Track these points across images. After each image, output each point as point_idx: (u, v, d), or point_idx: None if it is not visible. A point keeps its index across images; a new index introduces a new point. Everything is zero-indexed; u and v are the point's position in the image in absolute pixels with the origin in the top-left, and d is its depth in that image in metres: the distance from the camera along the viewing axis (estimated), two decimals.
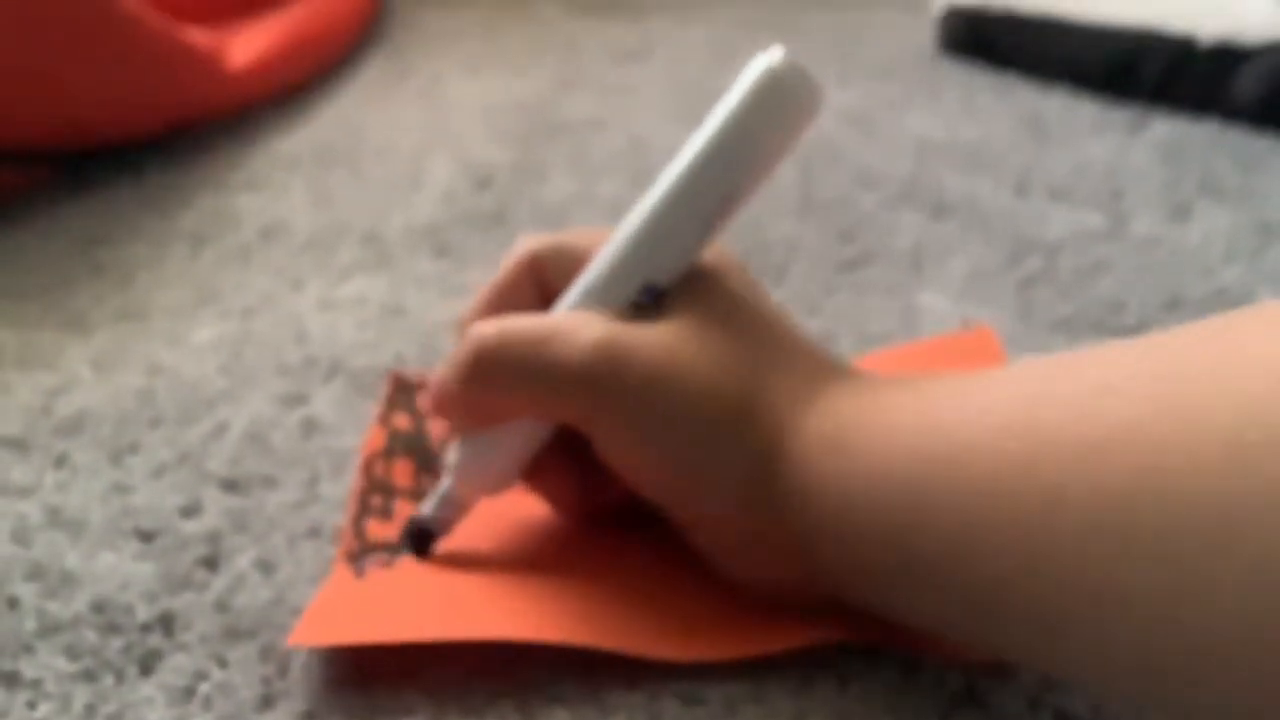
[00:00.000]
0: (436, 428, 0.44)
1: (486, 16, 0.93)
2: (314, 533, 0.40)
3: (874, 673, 0.33)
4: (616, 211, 0.61)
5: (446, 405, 0.36)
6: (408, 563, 0.38)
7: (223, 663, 0.35)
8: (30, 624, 0.37)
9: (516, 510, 0.40)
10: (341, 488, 0.42)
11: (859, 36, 0.81)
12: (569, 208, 0.62)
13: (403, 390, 0.45)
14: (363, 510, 0.40)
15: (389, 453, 0.43)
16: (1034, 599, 0.27)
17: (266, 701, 0.34)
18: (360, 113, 0.76)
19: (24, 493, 0.43)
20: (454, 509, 0.38)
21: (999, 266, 0.54)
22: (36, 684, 0.35)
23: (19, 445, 0.45)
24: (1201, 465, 0.24)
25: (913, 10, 0.81)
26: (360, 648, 0.35)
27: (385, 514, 0.40)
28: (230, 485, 0.43)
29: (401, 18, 0.93)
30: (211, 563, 0.39)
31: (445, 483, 0.38)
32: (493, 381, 0.36)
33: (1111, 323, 0.49)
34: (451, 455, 0.38)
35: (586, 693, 0.34)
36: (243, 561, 0.39)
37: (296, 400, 0.47)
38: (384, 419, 0.44)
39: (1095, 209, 0.58)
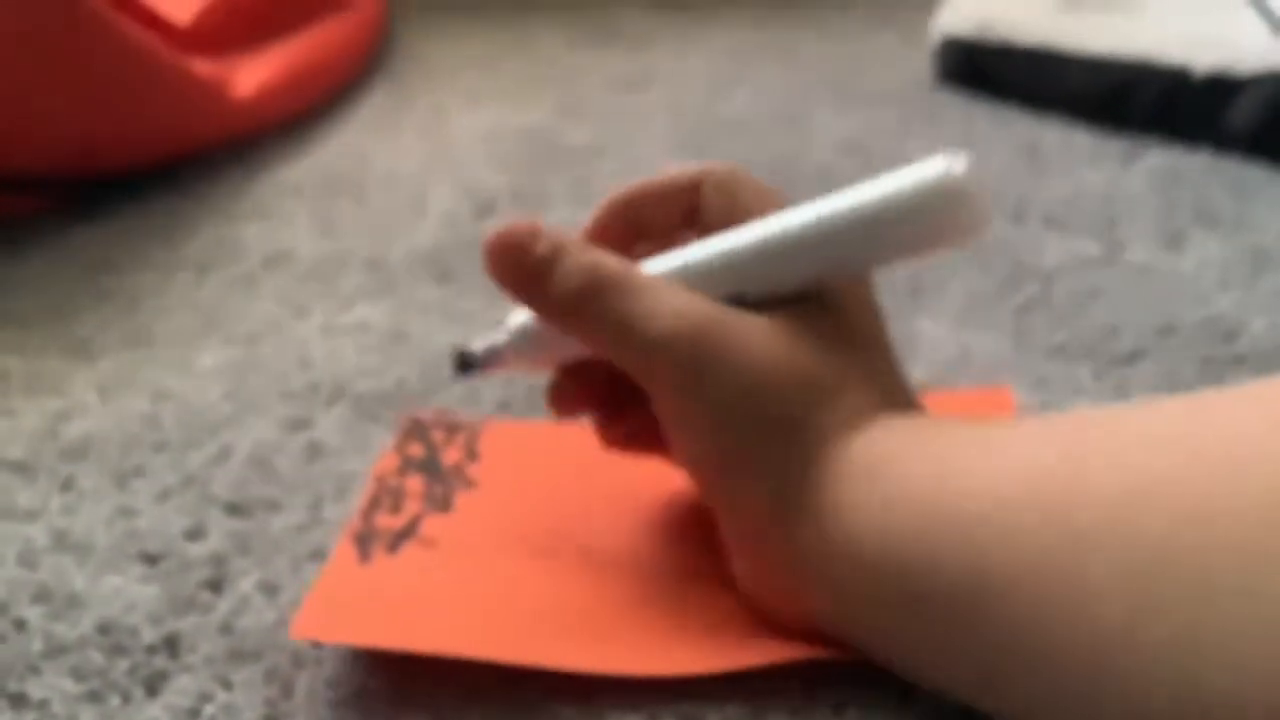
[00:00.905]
0: (450, 455, 0.44)
1: (488, 48, 0.94)
2: (317, 555, 0.41)
3: (871, 695, 0.34)
4: None
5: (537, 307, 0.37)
6: (412, 551, 0.39)
7: (227, 684, 0.36)
8: (37, 645, 0.37)
9: (530, 512, 0.41)
10: (345, 511, 0.42)
11: (857, 66, 0.82)
12: (571, 234, 0.62)
13: (418, 429, 0.46)
14: (372, 506, 0.41)
15: (402, 470, 0.43)
16: (1052, 646, 0.27)
17: None
18: (363, 142, 0.76)
19: (30, 516, 0.43)
20: (497, 360, 0.39)
21: (995, 293, 0.54)
22: (43, 705, 0.35)
23: (25, 469, 0.46)
24: (1240, 519, 0.24)
25: (910, 41, 0.82)
26: (360, 650, 0.36)
27: (394, 510, 0.41)
28: (234, 509, 0.43)
29: (404, 49, 0.94)
30: (216, 585, 0.40)
31: (499, 336, 0.39)
32: (583, 318, 0.36)
33: (1106, 349, 0.49)
34: (514, 319, 0.39)
35: (587, 713, 0.34)
36: (247, 584, 0.39)
37: (300, 425, 0.48)
38: (398, 449, 0.45)
39: (1090, 237, 0.58)
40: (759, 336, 0.34)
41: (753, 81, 0.81)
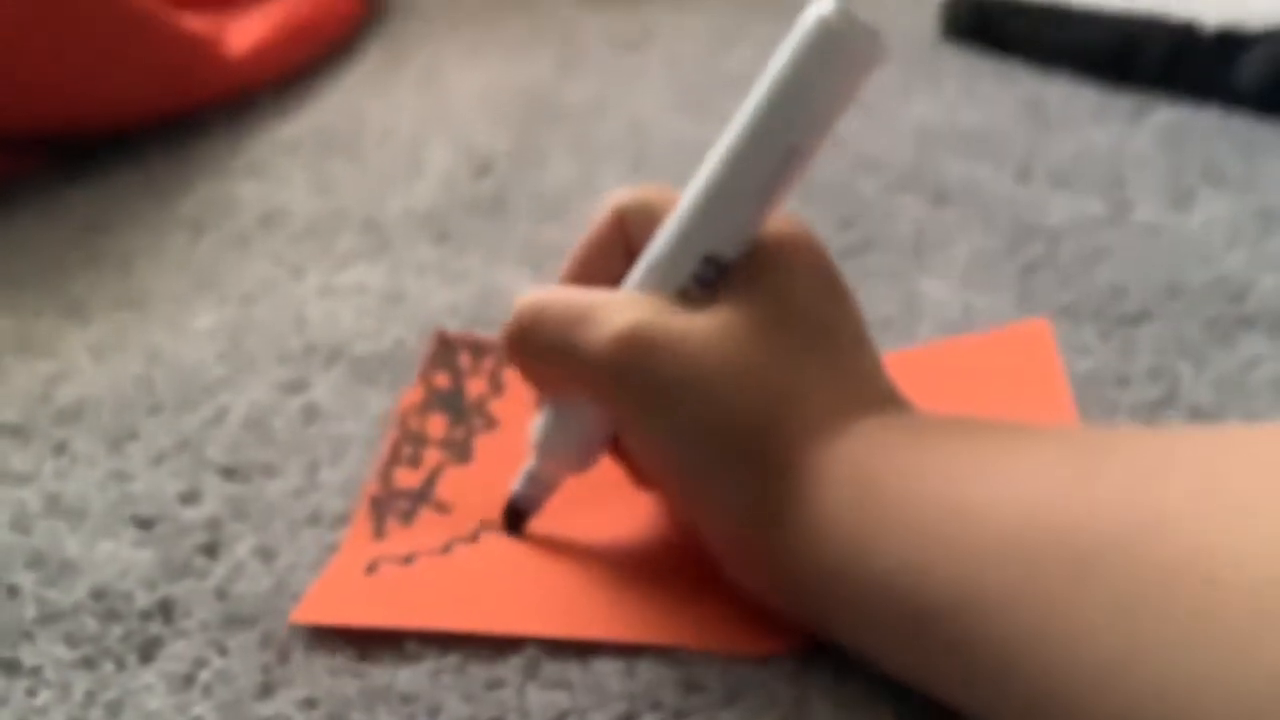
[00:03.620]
0: (475, 386, 0.45)
1: (485, 4, 0.93)
2: (314, 520, 0.40)
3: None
4: None
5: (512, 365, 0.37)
6: (426, 518, 0.39)
7: (222, 650, 0.35)
8: (30, 611, 0.37)
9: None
10: (342, 474, 0.42)
11: None
12: (569, 194, 0.62)
13: (445, 349, 0.46)
14: (393, 458, 0.42)
15: (424, 407, 0.44)
16: (1043, 674, 0.26)
17: (266, 689, 0.34)
18: (359, 99, 0.75)
19: (23, 480, 0.43)
20: (541, 487, 0.38)
21: (1000, 253, 0.53)
22: (36, 671, 0.35)
23: (18, 433, 0.45)
24: (1241, 567, 0.23)
25: None
26: (359, 630, 0.35)
27: (414, 462, 0.41)
28: (230, 472, 0.43)
29: (400, 5, 0.93)
30: (211, 550, 0.39)
31: (531, 461, 0.38)
32: (528, 354, 0.36)
33: (1113, 310, 0.48)
34: (532, 432, 0.37)
35: (586, 679, 0.34)
36: (242, 549, 0.39)
37: (296, 387, 0.47)
38: (424, 377, 0.45)
39: (1097, 196, 0.58)
40: (708, 340, 0.33)
41: (753, 38, 0.80)
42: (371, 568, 0.37)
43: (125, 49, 0.67)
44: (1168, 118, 0.65)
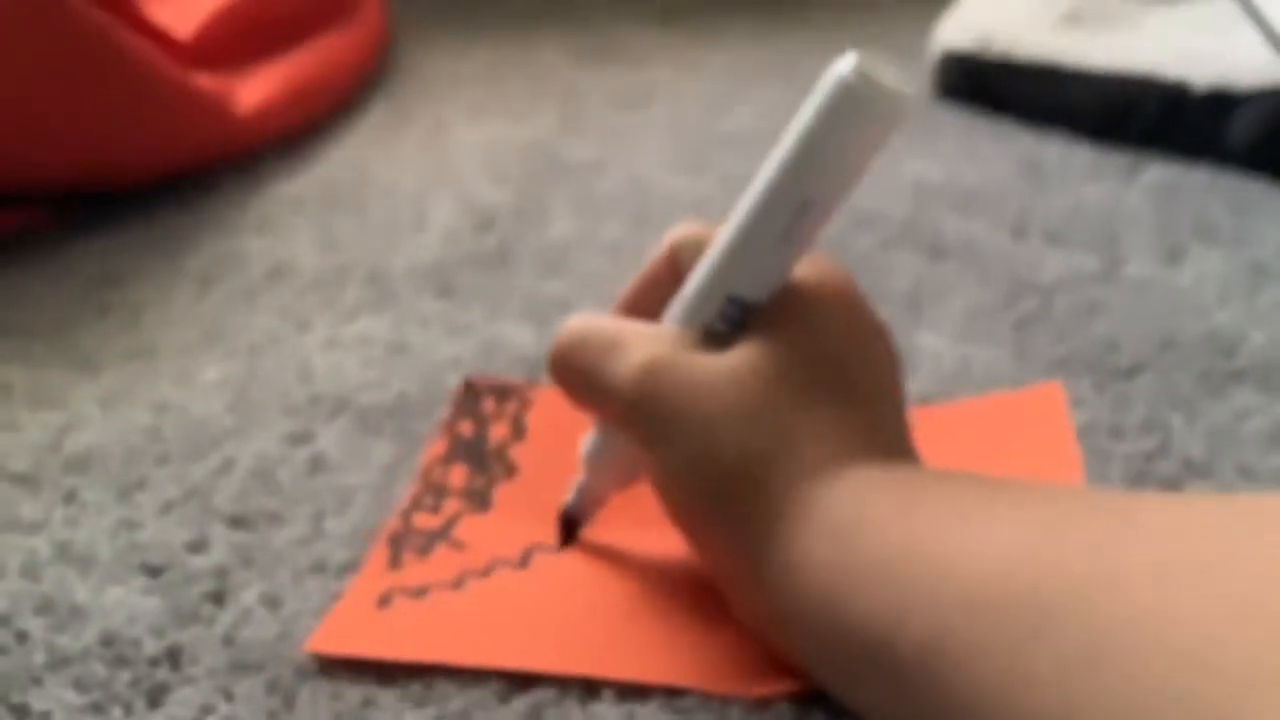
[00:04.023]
0: (497, 431, 0.46)
1: (488, 63, 0.95)
2: (319, 568, 0.41)
3: None
4: (618, 252, 0.62)
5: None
6: (441, 553, 0.40)
7: (229, 696, 0.36)
8: (40, 657, 0.37)
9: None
10: (347, 523, 0.43)
11: None
12: (570, 248, 0.63)
13: (470, 395, 0.47)
14: (414, 506, 0.43)
15: (447, 458, 0.45)
16: (1002, 718, 0.26)
17: None
18: (365, 156, 0.77)
19: (34, 528, 0.43)
20: (590, 499, 0.40)
21: (996, 307, 0.54)
22: (46, 716, 0.35)
23: (29, 482, 0.46)
24: (1182, 625, 0.23)
25: (910, 56, 0.82)
26: (370, 662, 0.36)
27: (434, 510, 0.43)
28: (237, 521, 0.43)
29: (405, 63, 0.94)
30: (218, 597, 0.40)
31: (581, 475, 0.40)
32: (564, 377, 0.37)
33: (1106, 363, 0.49)
34: (582, 447, 0.39)
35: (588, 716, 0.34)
36: (249, 596, 0.40)
37: (303, 437, 0.48)
38: (449, 426, 0.47)
39: (1090, 251, 0.58)
40: (715, 378, 0.34)
41: (752, 98, 0.82)
42: (385, 600, 0.39)
43: (136, 107, 0.68)
44: (1160, 176, 0.66)
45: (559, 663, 0.35)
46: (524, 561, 0.40)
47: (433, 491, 0.44)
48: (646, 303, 0.39)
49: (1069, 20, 0.75)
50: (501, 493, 0.44)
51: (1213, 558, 0.25)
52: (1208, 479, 0.42)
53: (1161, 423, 0.45)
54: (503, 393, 0.47)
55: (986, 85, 0.77)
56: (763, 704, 0.34)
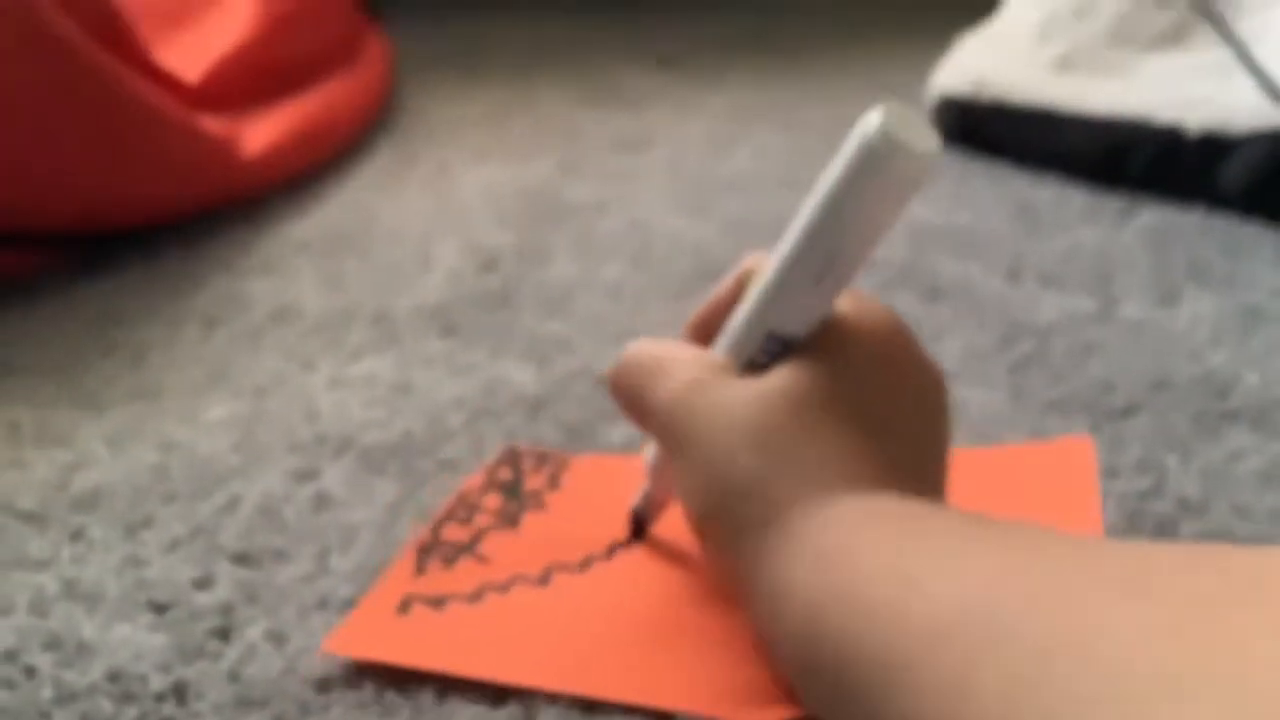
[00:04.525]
0: (533, 481, 0.47)
1: (491, 107, 0.96)
2: (324, 604, 0.41)
3: None
4: (619, 293, 0.63)
5: None
6: (466, 564, 0.42)
7: None
8: (47, 693, 0.38)
9: (584, 535, 0.43)
10: (351, 560, 0.43)
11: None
12: (572, 289, 0.63)
13: (512, 454, 0.49)
14: (446, 517, 0.44)
15: (484, 489, 0.46)
16: None
17: None
18: (369, 199, 0.77)
19: (41, 565, 0.44)
20: (654, 504, 0.43)
21: (992, 349, 0.55)
22: None
23: (36, 520, 0.46)
24: (1124, 646, 0.24)
25: (907, 101, 0.83)
26: (367, 697, 0.37)
27: (464, 523, 0.44)
28: (242, 558, 0.44)
29: (409, 108, 0.96)
30: (224, 634, 0.40)
31: (645, 482, 0.43)
32: (620, 395, 0.39)
33: (1101, 404, 0.50)
34: (646, 456, 0.42)
35: None
36: (254, 632, 0.40)
37: (307, 476, 0.48)
38: (489, 469, 0.48)
39: (1085, 294, 0.59)
40: (739, 404, 0.35)
41: (752, 142, 0.83)
42: (404, 605, 0.40)
43: (144, 149, 0.69)
44: (1154, 219, 0.67)
45: (567, 682, 0.36)
46: (544, 579, 0.41)
47: (465, 507, 0.45)
48: (713, 327, 0.40)
49: (1063, 65, 0.76)
50: (531, 519, 0.45)
51: (1148, 587, 0.26)
52: (1202, 518, 0.43)
53: (1156, 463, 0.46)
54: (542, 457, 0.49)
55: (982, 129, 0.78)
56: None
